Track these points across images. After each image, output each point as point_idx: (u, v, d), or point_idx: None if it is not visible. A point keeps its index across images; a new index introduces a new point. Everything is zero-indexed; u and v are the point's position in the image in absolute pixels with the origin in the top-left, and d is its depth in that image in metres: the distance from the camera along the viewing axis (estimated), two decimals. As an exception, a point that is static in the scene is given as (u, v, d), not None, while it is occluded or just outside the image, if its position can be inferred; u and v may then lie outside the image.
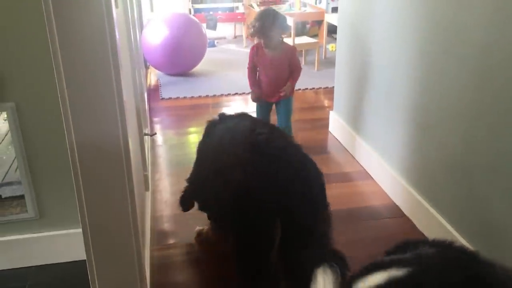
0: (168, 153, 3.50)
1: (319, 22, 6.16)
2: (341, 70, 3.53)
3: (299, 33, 6.10)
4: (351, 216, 2.58)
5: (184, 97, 4.65)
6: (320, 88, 4.86)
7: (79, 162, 1.42)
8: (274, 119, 3.35)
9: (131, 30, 2.66)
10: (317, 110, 4.28)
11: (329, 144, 3.56)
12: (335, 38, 3.83)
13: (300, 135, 3.61)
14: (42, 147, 1.98)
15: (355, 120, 3.27)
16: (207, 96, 4.65)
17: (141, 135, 2.72)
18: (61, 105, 1.35)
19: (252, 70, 3.21)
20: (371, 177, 2.98)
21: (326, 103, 4.46)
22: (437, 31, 2.20)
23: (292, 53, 3.17)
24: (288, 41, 4.74)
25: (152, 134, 3.52)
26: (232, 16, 7.03)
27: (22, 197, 2.10)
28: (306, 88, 4.77)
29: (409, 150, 2.54)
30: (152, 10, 6.97)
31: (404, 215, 2.57)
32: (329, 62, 5.59)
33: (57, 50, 1.29)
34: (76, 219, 1.53)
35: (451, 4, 2.07)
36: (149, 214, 2.54)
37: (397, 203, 2.66)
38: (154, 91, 4.88)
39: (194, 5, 6.92)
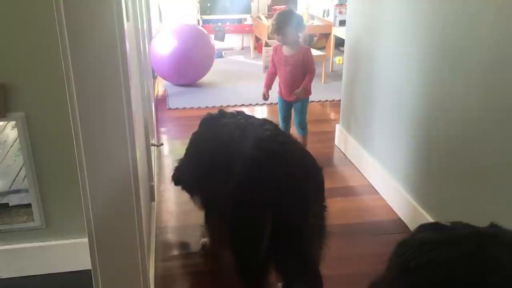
0: (175, 163, 3.50)
1: (327, 35, 6.19)
2: (347, 83, 3.54)
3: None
4: (356, 231, 2.57)
5: (191, 108, 4.67)
6: (327, 101, 4.87)
7: (87, 172, 1.43)
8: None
9: (140, 42, 2.69)
10: (324, 123, 4.28)
11: (335, 158, 3.56)
12: (342, 51, 3.85)
13: (308, 147, 3.61)
14: (50, 157, 1.99)
15: (361, 134, 3.27)
16: (214, 106, 4.66)
17: (148, 145, 2.73)
18: (70, 116, 1.37)
19: (272, 72, 3.43)
20: (377, 192, 2.97)
21: (332, 116, 4.47)
22: (443, 47, 2.21)
23: (307, 52, 3.34)
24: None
25: (159, 145, 3.53)
26: (240, 28, 7.08)
27: (28, 205, 2.11)
28: (313, 101, 4.78)
29: (415, 165, 2.54)
30: (161, 20, 7.04)
31: (410, 230, 2.55)
32: (336, 75, 5.60)
33: (68, 61, 1.31)
34: (82, 229, 1.53)
35: (457, 22, 2.08)
36: (155, 225, 2.54)
37: (403, 219, 2.65)
38: (161, 101, 4.91)
39: (202, 16, 6.97)
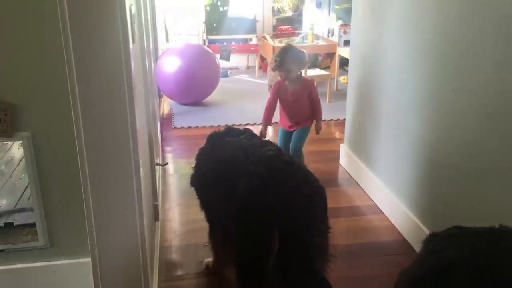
0: (179, 182, 3.51)
1: (331, 55, 6.23)
2: (352, 103, 3.55)
3: (311, 65, 6.17)
4: (361, 251, 2.56)
5: (197, 127, 4.69)
6: (332, 120, 4.88)
7: (91, 192, 1.44)
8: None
9: (146, 62, 2.72)
10: (328, 142, 4.28)
11: (340, 177, 3.55)
12: (347, 71, 3.87)
13: (310, 167, 3.58)
14: (55, 177, 2.01)
15: (366, 153, 3.27)
16: (219, 125, 4.67)
17: (153, 164, 2.74)
18: (76, 136, 1.38)
19: (271, 107, 3.42)
20: (382, 212, 2.95)
21: (337, 135, 4.47)
22: (445, 67, 2.22)
23: (311, 86, 3.40)
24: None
25: (164, 164, 3.54)
26: (246, 47, 7.14)
27: (33, 225, 2.12)
28: (318, 120, 4.79)
29: (420, 185, 2.53)
30: (167, 40, 7.12)
31: (415, 251, 2.53)
32: (340, 94, 5.62)
33: (74, 82, 1.33)
34: (86, 249, 1.54)
35: (460, 42, 2.09)
36: (158, 245, 2.54)
37: (408, 239, 2.63)
38: (166, 120, 4.94)
39: (208, 36, 7.05)
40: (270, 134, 4.53)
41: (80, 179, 1.43)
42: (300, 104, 3.36)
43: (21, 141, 1.98)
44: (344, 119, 3.74)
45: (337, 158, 3.78)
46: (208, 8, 7.01)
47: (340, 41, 5.76)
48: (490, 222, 1.92)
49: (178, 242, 2.67)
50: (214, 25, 7.08)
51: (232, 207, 1.80)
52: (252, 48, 7.07)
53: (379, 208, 3.00)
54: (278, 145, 3.42)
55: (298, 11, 7.39)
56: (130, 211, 1.51)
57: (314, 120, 3.46)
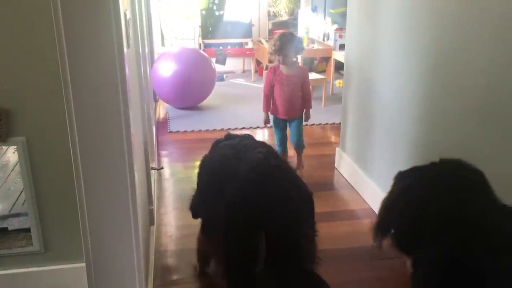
0: (175, 186, 3.51)
1: (327, 59, 6.26)
2: (347, 107, 3.56)
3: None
4: (356, 255, 2.56)
5: (192, 131, 4.69)
6: (327, 124, 4.89)
7: (86, 197, 1.44)
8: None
9: (141, 66, 2.72)
10: (324, 146, 4.29)
11: (335, 181, 3.56)
12: (342, 74, 3.89)
13: (306, 171, 3.62)
14: (50, 181, 2.00)
15: (361, 157, 3.28)
16: (215, 130, 4.69)
17: (148, 168, 2.74)
18: (70, 140, 1.39)
19: (268, 95, 3.48)
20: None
21: (333, 139, 4.48)
22: (440, 74, 2.23)
23: (305, 74, 3.53)
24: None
25: (159, 168, 3.54)
26: (241, 51, 7.16)
27: (28, 230, 2.11)
28: (313, 124, 4.80)
29: (415, 188, 2.54)
30: (163, 44, 7.13)
31: (410, 254, 2.54)
32: (336, 98, 5.64)
33: (68, 87, 1.33)
34: (81, 254, 1.54)
35: (453, 47, 2.11)
36: (153, 249, 2.53)
37: (403, 242, 2.63)
38: (162, 124, 4.94)
39: (204, 40, 7.06)
40: (266, 136, 4.54)
41: (75, 184, 1.43)
42: (293, 89, 3.43)
43: (15, 146, 1.98)
44: (340, 123, 3.75)
45: (333, 162, 3.79)
46: (204, 12, 7.03)
47: (335, 45, 5.78)
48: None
49: (173, 246, 2.66)
50: (210, 29, 7.09)
51: (222, 208, 1.83)
52: (247, 52, 7.09)
53: (375, 212, 3.00)
54: (277, 135, 3.55)
55: (293, 15, 7.42)
56: (124, 215, 1.51)
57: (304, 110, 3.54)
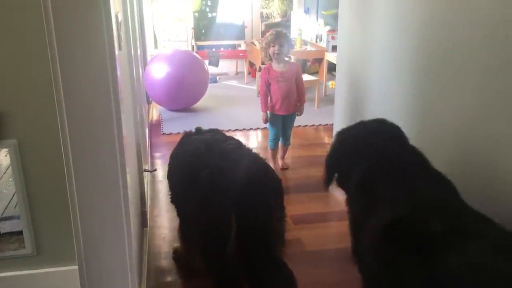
0: (168, 188, 3.50)
1: (320, 60, 6.27)
2: (339, 107, 3.58)
3: (299, 71, 6.19)
4: (349, 255, 2.56)
5: (185, 133, 4.68)
6: (320, 125, 4.90)
7: (78, 200, 1.44)
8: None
9: (134, 68, 2.72)
10: (317, 147, 4.30)
11: (329, 182, 3.56)
12: (335, 76, 3.91)
13: (299, 171, 3.63)
14: (42, 184, 2.00)
15: (354, 157, 3.29)
16: (208, 131, 4.67)
17: (141, 170, 2.74)
18: (62, 143, 1.38)
19: (266, 94, 3.57)
20: (370, 215, 2.96)
21: (326, 140, 4.49)
22: (432, 75, 2.25)
23: (297, 69, 3.65)
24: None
25: (152, 170, 3.53)
26: (234, 53, 7.16)
27: (20, 233, 2.10)
28: (306, 125, 4.82)
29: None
30: (156, 46, 7.12)
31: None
32: (329, 99, 5.65)
33: (59, 89, 1.33)
34: (73, 256, 1.53)
35: (446, 49, 2.12)
36: (146, 251, 2.53)
37: (396, 242, 2.64)
38: (155, 126, 4.93)
39: (197, 42, 7.06)
40: (260, 138, 4.55)
41: (67, 186, 1.43)
42: (288, 85, 3.53)
43: (7, 149, 1.97)
44: (333, 124, 3.76)
45: (326, 163, 3.79)
46: (196, 14, 7.03)
47: (328, 47, 5.80)
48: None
49: (166, 248, 2.66)
50: (203, 31, 7.09)
51: (195, 196, 1.95)
52: (240, 54, 7.09)
53: (367, 212, 3.01)
54: (273, 131, 3.65)
55: (286, 17, 7.43)
56: (117, 218, 1.50)
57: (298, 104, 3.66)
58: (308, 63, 6.88)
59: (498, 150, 1.83)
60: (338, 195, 3.31)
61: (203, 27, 7.08)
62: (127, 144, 1.59)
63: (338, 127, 3.59)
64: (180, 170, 2.24)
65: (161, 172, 3.78)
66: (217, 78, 6.97)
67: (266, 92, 3.56)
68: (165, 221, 2.99)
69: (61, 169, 1.44)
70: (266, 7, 7.41)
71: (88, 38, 1.31)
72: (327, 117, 4.93)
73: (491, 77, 1.84)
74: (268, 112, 3.61)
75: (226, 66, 7.29)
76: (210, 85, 5.68)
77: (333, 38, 5.64)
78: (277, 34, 3.50)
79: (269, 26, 7.34)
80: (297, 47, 6.21)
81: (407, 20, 2.46)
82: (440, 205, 1.60)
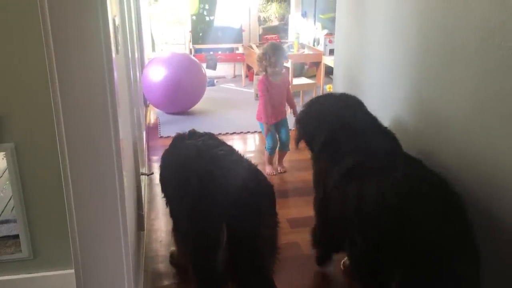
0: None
1: (317, 64, 6.28)
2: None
3: (297, 74, 6.21)
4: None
5: (183, 136, 4.68)
6: (318, 128, 4.89)
7: (74, 203, 1.44)
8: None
9: (131, 71, 2.72)
10: (314, 150, 4.30)
11: (325, 185, 3.56)
12: (333, 79, 3.93)
13: (294, 175, 3.63)
14: (39, 188, 2.00)
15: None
16: (205, 135, 4.67)
17: (138, 174, 2.74)
18: (58, 146, 1.38)
19: (267, 103, 3.60)
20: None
21: (323, 143, 4.48)
22: (429, 77, 2.25)
23: (288, 79, 3.84)
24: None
25: (149, 174, 3.53)
26: (232, 57, 7.17)
27: (16, 236, 2.10)
28: (304, 128, 4.81)
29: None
30: (153, 49, 7.12)
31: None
32: (326, 103, 5.65)
33: (56, 93, 1.33)
34: (70, 260, 1.53)
35: (443, 53, 2.13)
36: (143, 254, 2.53)
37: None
38: (153, 130, 4.93)
39: (195, 45, 7.07)
40: (257, 141, 4.55)
41: (63, 190, 1.43)
42: (281, 96, 3.67)
43: (4, 152, 1.97)
44: (330, 127, 3.77)
45: (323, 166, 3.80)
46: (194, 17, 7.04)
47: (325, 50, 5.81)
48: (476, 224, 1.95)
49: (164, 252, 2.66)
50: (201, 34, 7.10)
51: (186, 202, 1.92)
52: (238, 57, 7.10)
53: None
54: (271, 141, 3.69)
55: (284, 20, 7.45)
56: (113, 221, 1.50)
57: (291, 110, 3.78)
58: (306, 67, 6.89)
59: (495, 152, 1.84)
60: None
61: (201, 30, 7.09)
62: (124, 147, 1.59)
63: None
64: (171, 176, 2.24)
65: (158, 176, 3.77)
66: (215, 81, 6.98)
67: (268, 102, 3.60)
68: (162, 224, 2.98)
69: (58, 172, 1.44)
70: (263, 11, 7.42)
71: (85, 42, 1.31)
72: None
73: (488, 80, 1.85)
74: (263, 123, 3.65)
75: (223, 69, 7.30)
76: (207, 88, 5.68)
77: (330, 41, 5.65)
78: (274, 46, 3.56)
79: (266, 30, 7.36)
80: (294, 51, 6.22)
81: (405, 24, 2.46)
82: (381, 152, 2.06)
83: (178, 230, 2.27)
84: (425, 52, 2.28)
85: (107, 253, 1.53)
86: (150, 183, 3.57)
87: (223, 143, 2.28)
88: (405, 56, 2.47)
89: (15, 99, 1.90)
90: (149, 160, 4.07)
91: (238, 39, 7.27)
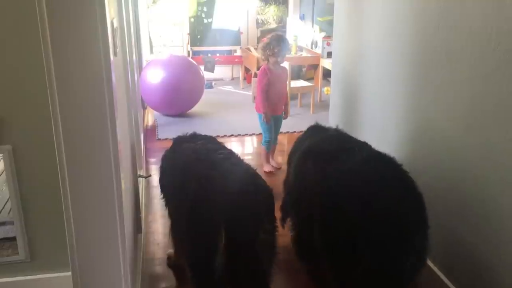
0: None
1: (315, 66, 6.30)
2: (334, 113, 3.59)
3: (295, 77, 6.22)
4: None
5: (181, 138, 4.68)
6: (315, 130, 4.90)
7: (72, 205, 1.43)
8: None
9: (129, 74, 2.72)
10: (312, 152, 4.30)
11: (323, 187, 3.57)
12: (330, 82, 3.94)
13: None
14: (36, 190, 1.99)
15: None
16: (203, 137, 4.67)
17: (136, 176, 2.74)
18: (56, 148, 1.38)
19: (266, 93, 3.63)
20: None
21: (321, 145, 4.49)
22: (426, 80, 2.26)
23: (287, 72, 3.91)
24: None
25: (147, 176, 3.52)
26: (230, 59, 7.18)
27: (13, 239, 2.09)
28: (301, 131, 4.81)
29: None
30: (151, 52, 7.12)
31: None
32: (324, 105, 5.67)
33: (54, 95, 1.33)
34: (67, 263, 1.53)
35: (440, 56, 2.14)
36: (141, 257, 2.52)
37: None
38: (150, 132, 4.92)
39: (193, 47, 7.07)
40: (255, 143, 4.55)
41: (61, 192, 1.43)
42: (283, 86, 3.73)
43: (1, 154, 1.96)
44: (327, 130, 3.77)
45: (321, 169, 3.80)
46: (192, 20, 7.05)
47: (323, 53, 5.83)
48: (473, 224, 1.96)
49: (161, 254, 2.65)
50: (199, 36, 7.11)
51: (185, 206, 1.92)
52: (236, 60, 7.11)
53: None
54: (268, 133, 3.73)
55: (282, 23, 7.47)
56: (111, 223, 1.50)
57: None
58: (304, 69, 6.90)
59: (490, 156, 1.84)
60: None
61: (199, 32, 7.10)
62: (122, 149, 1.59)
63: (333, 133, 3.61)
64: (170, 178, 2.23)
65: (156, 178, 3.75)
66: (213, 83, 6.98)
67: (266, 93, 3.61)
68: (159, 227, 2.98)
69: (55, 175, 1.43)
70: (261, 13, 7.44)
71: (83, 45, 1.31)
72: (322, 123, 4.93)
73: (484, 83, 1.85)
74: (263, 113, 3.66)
75: (221, 71, 7.31)
76: (205, 90, 5.68)
77: (328, 44, 5.66)
78: (279, 37, 3.61)
79: (264, 32, 7.37)
80: (292, 53, 6.23)
81: (402, 27, 2.47)
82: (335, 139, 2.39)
83: (176, 233, 2.27)
84: (421, 54, 2.29)
85: (104, 256, 1.52)
86: (148, 186, 3.57)
87: (223, 146, 2.28)
88: (402, 58, 2.47)
89: (12, 101, 1.90)
90: (147, 162, 4.07)
91: (236, 41, 7.28)
